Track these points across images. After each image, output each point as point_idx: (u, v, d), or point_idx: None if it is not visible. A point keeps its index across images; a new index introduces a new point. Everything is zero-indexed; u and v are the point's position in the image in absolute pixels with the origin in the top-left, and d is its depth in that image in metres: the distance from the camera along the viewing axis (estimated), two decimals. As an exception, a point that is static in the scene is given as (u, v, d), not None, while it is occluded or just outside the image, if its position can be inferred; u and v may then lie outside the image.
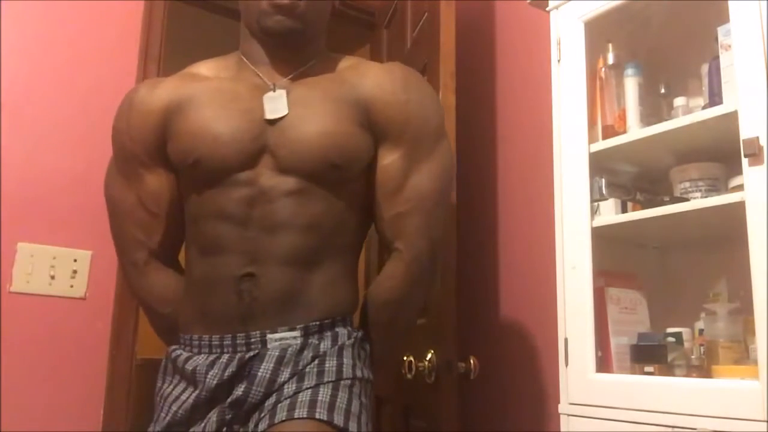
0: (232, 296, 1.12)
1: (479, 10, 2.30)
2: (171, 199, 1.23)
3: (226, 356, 1.12)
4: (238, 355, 1.11)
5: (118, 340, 1.78)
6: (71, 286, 1.75)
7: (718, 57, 1.36)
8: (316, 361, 1.11)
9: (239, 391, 1.09)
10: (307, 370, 1.09)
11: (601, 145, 1.50)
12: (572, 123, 1.52)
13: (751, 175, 1.18)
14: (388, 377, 1.32)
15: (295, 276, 1.13)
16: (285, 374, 1.09)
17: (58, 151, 1.79)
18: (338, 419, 1.03)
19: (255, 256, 1.12)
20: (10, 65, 1.76)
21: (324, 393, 1.06)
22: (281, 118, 1.15)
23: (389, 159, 1.19)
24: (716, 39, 1.36)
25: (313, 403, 1.04)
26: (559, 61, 1.59)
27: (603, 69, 1.61)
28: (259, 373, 1.09)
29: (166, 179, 1.22)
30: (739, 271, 1.20)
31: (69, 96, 1.83)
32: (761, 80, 1.19)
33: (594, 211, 1.49)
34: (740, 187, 1.23)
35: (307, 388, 1.07)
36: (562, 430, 1.41)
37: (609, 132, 1.54)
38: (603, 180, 1.48)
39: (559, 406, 1.43)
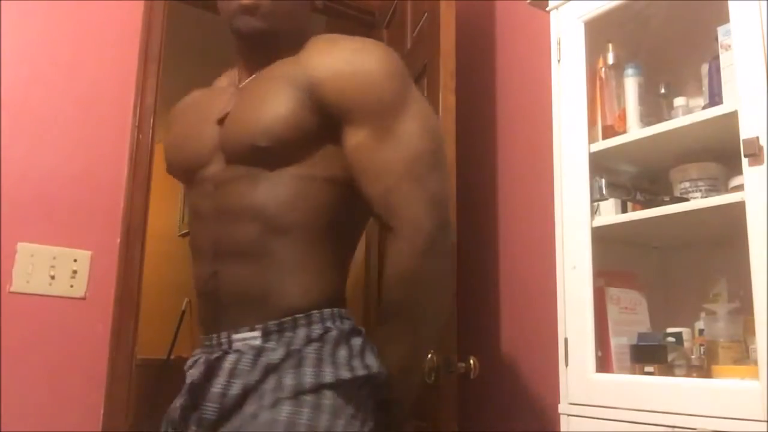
0: (205, 297, 1.16)
1: (479, 10, 2.30)
2: None
3: (204, 356, 1.12)
4: (208, 357, 1.10)
5: (118, 340, 1.78)
6: (71, 286, 1.75)
7: (718, 57, 1.36)
8: (273, 374, 1.03)
9: (202, 410, 1.07)
10: (266, 385, 1.03)
11: (601, 145, 1.50)
12: (572, 123, 1.53)
13: (751, 175, 1.18)
14: (410, 384, 1.13)
15: (249, 270, 1.10)
16: (236, 387, 1.04)
17: (58, 151, 1.79)
18: None
19: (217, 253, 1.13)
20: (10, 65, 1.76)
21: (283, 412, 0.98)
22: (228, 116, 1.19)
23: (357, 138, 1.10)
24: (716, 39, 1.36)
25: (270, 424, 0.98)
26: (559, 61, 1.59)
27: (603, 69, 1.61)
28: (213, 389, 1.06)
29: None
30: (739, 271, 1.20)
31: (69, 96, 1.83)
32: (761, 80, 1.19)
33: (594, 211, 1.49)
34: (740, 187, 1.23)
35: (266, 408, 1.00)
36: (562, 430, 1.41)
37: (609, 132, 1.54)
38: (603, 180, 1.48)
39: (559, 406, 1.43)
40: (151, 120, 1.91)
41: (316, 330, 1.07)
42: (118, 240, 1.82)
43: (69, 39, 1.85)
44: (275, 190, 1.12)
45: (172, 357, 3.77)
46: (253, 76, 1.22)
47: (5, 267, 1.68)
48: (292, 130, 1.10)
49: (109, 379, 1.75)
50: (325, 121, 1.11)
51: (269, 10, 1.17)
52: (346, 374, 1.04)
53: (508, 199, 2.08)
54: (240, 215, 1.12)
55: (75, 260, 1.76)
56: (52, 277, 1.73)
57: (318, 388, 1.02)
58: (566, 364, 1.43)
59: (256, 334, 1.07)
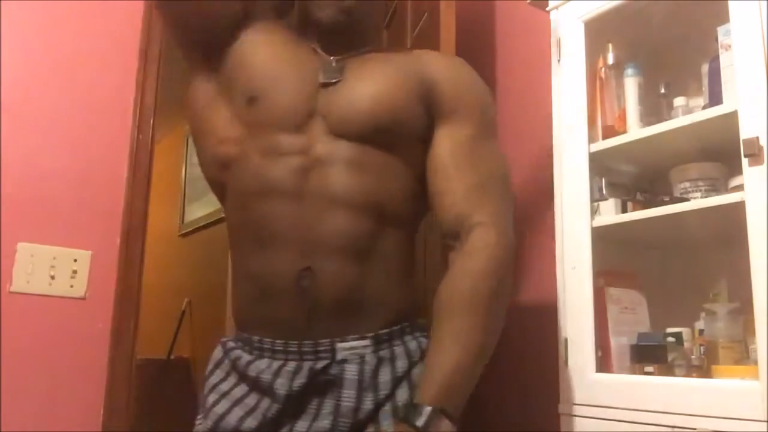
0: (292, 297, 1.02)
1: (479, 10, 2.29)
2: None
3: (292, 363, 1.02)
4: (307, 365, 1.02)
5: (118, 340, 1.78)
6: (71, 286, 1.75)
7: (718, 57, 1.36)
8: (400, 387, 1.02)
9: (324, 421, 1.00)
10: (398, 399, 1.01)
11: (601, 145, 1.50)
12: (572, 123, 1.52)
13: (751, 175, 1.17)
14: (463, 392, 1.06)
15: (354, 270, 1.02)
16: (368, 401, 1.00)
17: (58, 151, 1.79)
18: None
19: (309, 244, 1.02)
20: (10, 65, 1.76)
21: None
22: (335, 84, 1.11)
23: (463, 133, 1.12)
24: (716, 39, 1.36)
25: None
26: (559, 61, 1.59)
27: (603, 69, 1.61)
28: (343, 403, 1.00)
29: None
30: (739, 271, 1.20)
31: (69, 96, 1.83)
32: (761, 80, 1.19)
33: (594, 211, 1.49)
34: (740, 187, 1.23)
35: None
36: (562, 430, 1.40)
37: (609, 132, 1.54)
38: (603, 180, 1.48)
39: (559, 406, 1.42)
40: (151, 120, 1.91)
41: (421, 339, 1.09)
42: (118, 240, 1.82)
43: (69, 39, 1.85)
44: (388, 178, 1.08)
45: (172, 357, 3.78)
46: (342, 55, 1.16)
47: (5, 267, 1.68)
48: (409, 115, 1.11)
49: (109, 379, 1.75)
50: (426, 120, 1.13)
51: (357, 9, 1.16)
52: None
53: (508, 199, 2.07)
54: (349, 203, 1.03)
55: (75, 260, 1.76)
56: (52, 277, 1.73)
57: None
58: (566, 364, 1.43)
59: (366, 342, 1.02)
